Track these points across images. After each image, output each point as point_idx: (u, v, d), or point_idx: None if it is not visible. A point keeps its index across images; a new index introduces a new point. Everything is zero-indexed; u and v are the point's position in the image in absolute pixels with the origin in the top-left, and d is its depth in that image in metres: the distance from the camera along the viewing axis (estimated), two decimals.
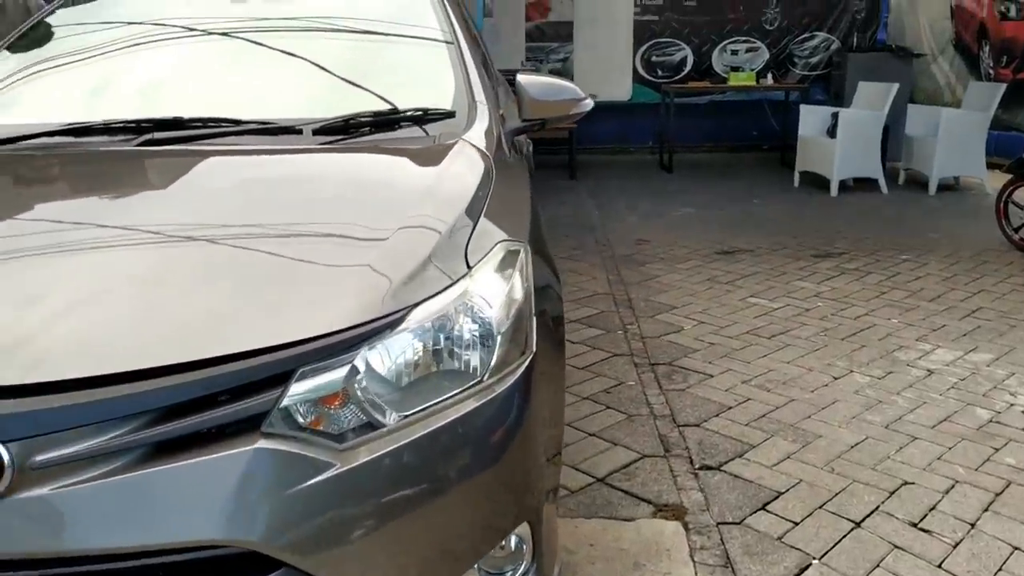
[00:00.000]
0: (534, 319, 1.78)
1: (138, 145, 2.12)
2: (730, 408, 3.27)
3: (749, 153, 9.87)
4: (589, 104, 2.68)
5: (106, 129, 2.20)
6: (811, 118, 7.98)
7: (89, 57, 2.60)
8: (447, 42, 2.68)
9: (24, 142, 2.17)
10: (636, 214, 6.86)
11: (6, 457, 1.31)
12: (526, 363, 1.70)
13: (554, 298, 2.07)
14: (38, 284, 1.59)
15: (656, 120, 9.64)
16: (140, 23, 2.72)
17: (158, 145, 2.14)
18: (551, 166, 8.77)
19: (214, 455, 1.38)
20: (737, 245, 5.82)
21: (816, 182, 7.85)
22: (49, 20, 2.76)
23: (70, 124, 2.20)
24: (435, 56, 2.63)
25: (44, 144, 2.16)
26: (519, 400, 1.68)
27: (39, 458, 1.33)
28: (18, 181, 2.11)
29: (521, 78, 2.61)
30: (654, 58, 9.90)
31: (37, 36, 2.69)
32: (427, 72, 2.61)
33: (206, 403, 1.40)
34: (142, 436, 1.37)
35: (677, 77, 9.87)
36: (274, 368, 1.43)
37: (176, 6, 2.85)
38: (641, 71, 9.92)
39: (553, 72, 9.70)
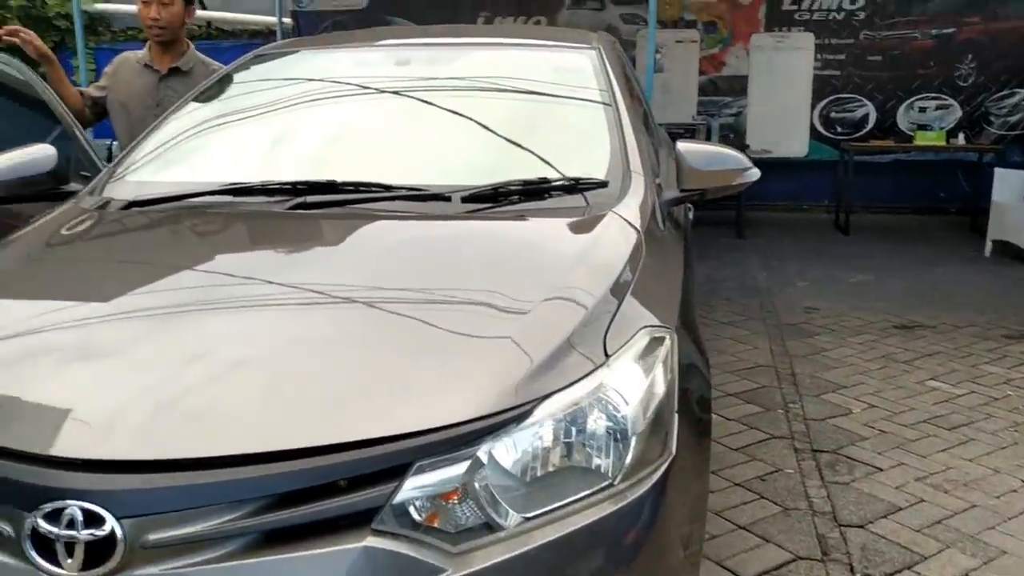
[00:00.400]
0: (676, 416, 1.64)
1: (291, 208, 2.14)
2: (900, 509, 2.95)
3: (935, 217, 9.20)
4: (755, 174, 2.51)
5: (263, 190, 2.24)
6: (1008, 182, 7.34)
7: (252, 118, 2.69)
8: (605, 104, 2.59)
9: (188, 200, 2.25)
10: (807, 279, 6.49)
11: (119, 533, 1.30)
12: (664, 467, 1.56)
13: (701, 387, 1.91)
14: (169, 351, 1.60)
15: (833, 178, 9.18)
16: (299, 85, 2.80)
17: (310, 208, 2.16)
18: (717, 223, 8.49)
19: (321, 550, 1.32)
20: (917, 319, 5.37)
21: (1011, 253, 7.19)
22: (218, 84, 2.88)
23: (230, 184, 2.26)
24: (592, 120, 2.55)
25: (203, 203, 2.23)
26: (654, 507, 1.53)
27: (151, 537, 1.31)
28: (170, 240, 2.17)
29: (681, 146, 2.48)
30: (833, 114, 9.45)
31: (207, 97, 2.81)
32: (582, 137, 2.53)
33: (319, 492, 1.34)
34: (253, 523, 1.33)
35: (858, 134, 9.36)
36: (389, 460, 1.36)
37: (335, 69, 2.92)
38: (819, 127, 9.49)
39: (725, 126, 9.47)
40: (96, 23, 10.76)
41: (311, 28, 10.04)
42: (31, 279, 2.00)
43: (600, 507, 1.46)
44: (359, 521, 1.35)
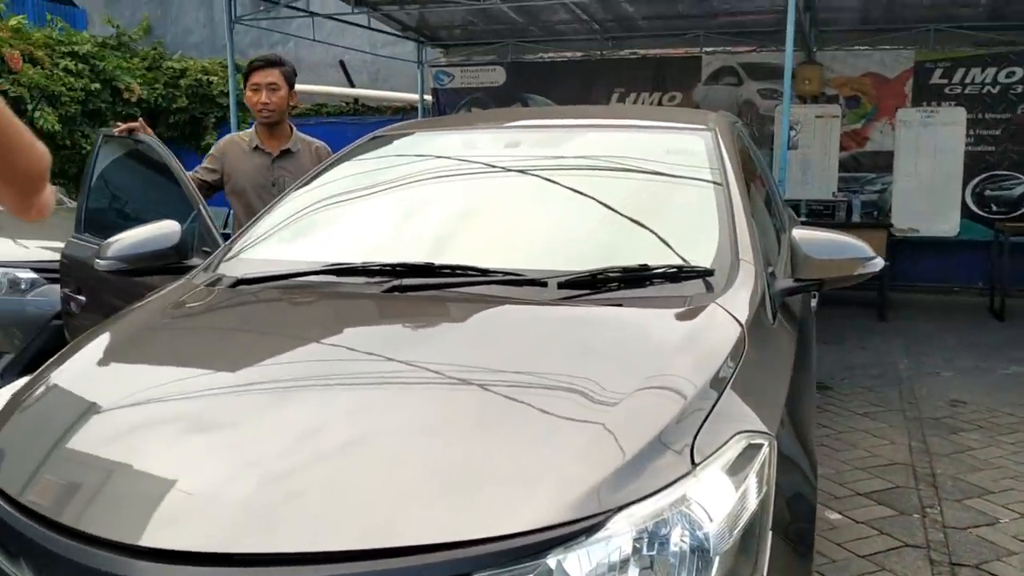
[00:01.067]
0: (769, 535, 1.49)
1: (387, 290, 2.15)
2: None
3: None
4: (877, 265, 2.34)
5: (364, 270, 2.26)
6: None
7: (362, 199, 2.75)
8: (716, 187, 2.49)
9: (292, 279, 2.29)
10: (953, 368, 6.04)
11: None
12: None
13: (804, 500, 1.75)
14: (235, 433, 1.61)
15: (987, 259, 8.59)
16: (409, 166, 2.85)
17: (407, 290, 2.15)
18: (856, 303, 8.07)
19: None
20: None
21: None
22: (333, 165, 2.97)
23: (333, 264, 2.29)
24: (700, 205, 2.45)
25: (305, 283, 2.27)
26: None
27: None
28: (269, 319, 2.22)
29: (796, 233, 2.35)
30: (988, 192, 8.90)
31: (321, 178, 2.89)
32: (689, 223, 2.44)
33: None
34: None
35: (1015, 214, 8.77)
36: (446, 570, 1.29)
37: (446, 151, 2.95)
38: (972, 205, 8.95)
39: (867, 203, 9.07)
40: None
41: (450, 105, 10.39)
42: (138, 353, 2.07)
43: None
44: None
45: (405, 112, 11.11)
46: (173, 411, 1.75)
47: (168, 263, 2.58)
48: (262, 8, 8.80)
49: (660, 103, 9.66)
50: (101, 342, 2.08)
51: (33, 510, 1.46)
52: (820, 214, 8.57)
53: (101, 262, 2.53)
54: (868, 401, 5.21)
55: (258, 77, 3.70)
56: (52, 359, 2.09)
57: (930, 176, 8.91)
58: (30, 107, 9.07)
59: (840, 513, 3.54)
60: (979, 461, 4.19)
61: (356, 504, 1.39)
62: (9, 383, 4.34)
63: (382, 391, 1.77)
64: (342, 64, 11.73)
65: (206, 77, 11.53)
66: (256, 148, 3.71)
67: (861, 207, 8.95)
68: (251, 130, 3.80)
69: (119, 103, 10.84)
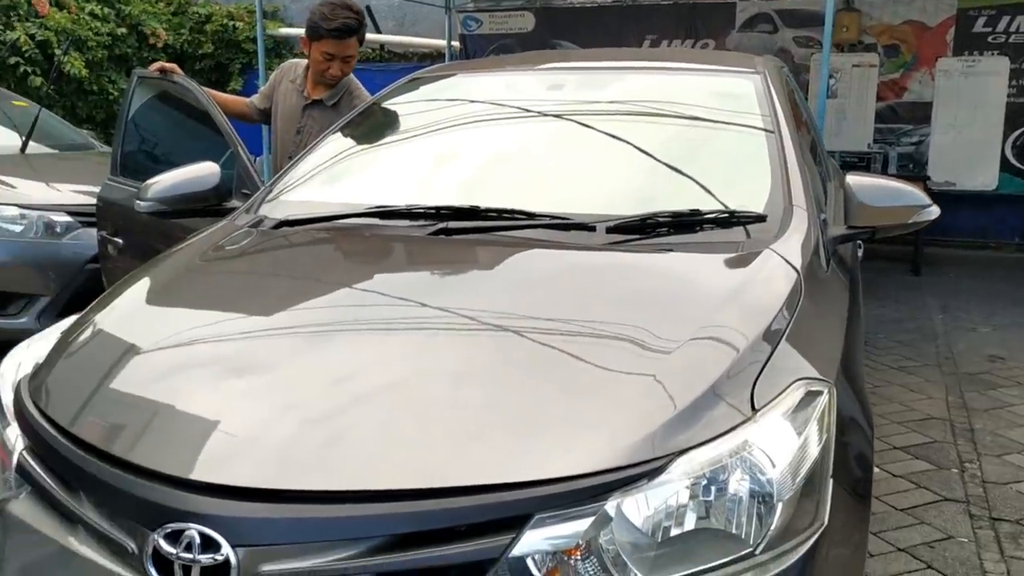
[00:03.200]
0: (830, 482, 1.47)
1: (432, 233, 2.11)
2: None
3: None
4: (933, 213, 2.28)
5: (408, 213, 2.22)
6: None
7: (403, 141, 2.71)
8: (767, 132, 2.42)
9: (335, 221, 2.26)
10: (991, 323, 5.95)
11: (233, 560, 1.28)
12: (814, 538, 1.40)
13: (862, 449, 1.72)
14: (294, 372, 1.59)
15: None
16: (450, 109, 2.80)
17: (452, 233, 2.12)
18: (890, 258, 7.95)
19: None
20: None
21: None
22: (373, 107, 2.91)
23: (376, 207, 2.26)
24: (752, 149, 2.38)
25: (349, 225, 2.24)
26: None
27: (266, 568, 1.28)
28: (313, 260, 2.20)
29: (851, 179, 2.28)
30: None
31: (361, 120, 2.84)
32: (740, 167, 2.37)
33: (435, 537, 1.28)
34: (366, 563, 1.28)
35: None
36: (507, 510, 1.28)
37: (487, 93, 2.88)
38: (1011, 158, 8.74)
39: (904, 156, 8.89)
40: (280, 46, 11.39)
41: (478, 51, 10.24)
42: (182, 293, 2.06)
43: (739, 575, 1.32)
44: (474, 572, 1.27)
45: (432, 58, 10.97)
46: (218, 351, 1.74)
47: (207, 205, 2.55)
48: None
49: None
50: (146, 283, 2.07)
51: (89, 443, 1.46)
52: (854, 166, 8.40)
53: (141, 204, 2.51)
54: (904, 356, 5.15)
55: (333, 47, 3.34)
56: (98, 299, 2.09)
57: (969, 128, 8.70)
58: (58, 52, 9.02)
59: (878, 467, 3.50)
60: (1018, 417, 4.13)
61: (412, 444, 1.38)
62: (46, 325, 4.38)
63: (430, 335, 1.74)
64: (368, 10, 11.55)
65: (231, 23, 11.42)
66: (299, 89, 3.53)
67: (897, 159, 8.78)
68: (304, 65, 3.54)
69: (145, 48, 10.76)
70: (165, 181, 2.51)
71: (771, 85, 2.64)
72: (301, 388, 1.54)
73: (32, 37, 8.94)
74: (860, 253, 3.20)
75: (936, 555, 2.81)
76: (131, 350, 1.75)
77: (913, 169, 8.76)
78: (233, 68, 11.58)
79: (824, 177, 3.11)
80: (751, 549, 1.35)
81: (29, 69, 8.99)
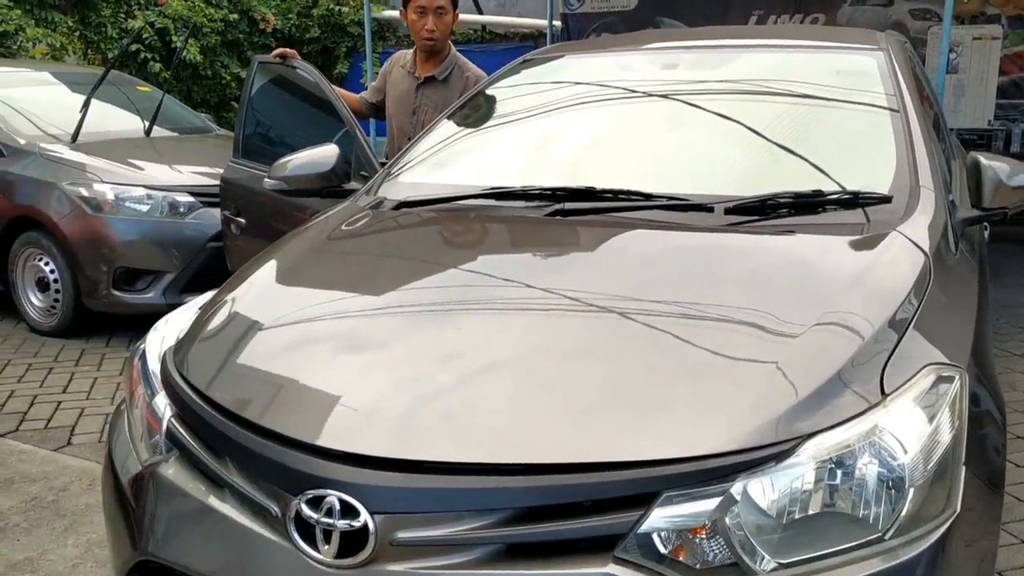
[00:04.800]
0: (962, 469, 1.44)
1: (549, 214, 2.14)
2: None
3: None
4: None
5: (524, 194, 2.26)
6: None
7: (518, 122, 2.74)
8: (892, 111, 2.35)
9: (454, 203, 2.31)
10: None
11: (371, 526, 1.34)
12: (945, 525, 1.38)
13: (995, 435, 1.67)
14: (430, 349, 1.64)
15: None
16: (563, 90, 2.81)
17: (569, 214, 2.14)
18: (1014, 239, 7.60)
19: (562, 570, 1.29)
20: None
21: None
22: (487, 89, 2.95)
23: (493, 188, 2.30)
24: (876, 129, 2.32)
25: (467, 206, 2.28)
26: (930, 569, 1.35)
27: (400, 535, 1.34)
28: (434, 240, 2.26)
29: (984, 160, 2.19)
30: None
31: (477, 102, 2.89)
32: (865, 147, 2.31)
33: (564, 511, 1.31)
34: (498, 533, 1.32)
35: None
36: (637, 487, 1.31)
37: (600, 74, 2.88)
38: None
39: None
40: (384, 29, 11.59)
41: (580, 30, 10.17)
42: (311, 272, 2.15)
43: (866, 563, 1.32)
44: (602, 546, 1.30)
45: (533, 38, 10.96)
46: (347, 327, 1.82)
47: (328, 185, 2.65)
48: None
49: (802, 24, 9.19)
50: (277, 262, 2.16)
51: (234, 412, 1.55)
52: (974, 144, 8.03)
53: (269, 182, 2.62)
54: None
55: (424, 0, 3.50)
56: (232, 276, 2.19)
57: None
58: (178, 40, 9.39)
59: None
60: None
61: (539, 420, 1.42)
62: (171, 300, 4.63)
63: (550, 314, 1.77)
64: None
65: (337, 7, 11.67)
66: (409, 72, 3.62)
67: (1021, 136, 8.34)
68: (412, 50, 3.67)
69: (255, 33, 11.13)
70: (291, 162, 2.62)
71: (895, 62, 2.56)
72: (427, 363, 1.59)
73: (152, 25, 9.34)
74: (986, 235, 3.07)
75: None
76: (266, 325, 1.84)
77: None
78: (339, 51, 11.85)
79: (948, 156, 3.00)
80: (880, 534, 1.34)
81: (149, 55, 9.40)
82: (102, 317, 4.98)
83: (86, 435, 3.63)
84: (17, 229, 5.01)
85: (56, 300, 4.92)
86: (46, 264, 4.92)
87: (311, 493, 1.38)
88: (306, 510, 1.38)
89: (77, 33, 8.97)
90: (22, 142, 5.13)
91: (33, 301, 5.04)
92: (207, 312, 1.99)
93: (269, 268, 2.12)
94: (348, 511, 1.36)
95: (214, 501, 1.53)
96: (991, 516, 1.59)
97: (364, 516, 1.34)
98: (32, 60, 8.43)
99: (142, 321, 5.01)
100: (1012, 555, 2.68)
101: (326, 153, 2.65)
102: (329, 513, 1.36)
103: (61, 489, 3.11)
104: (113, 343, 4.88)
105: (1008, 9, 8.48)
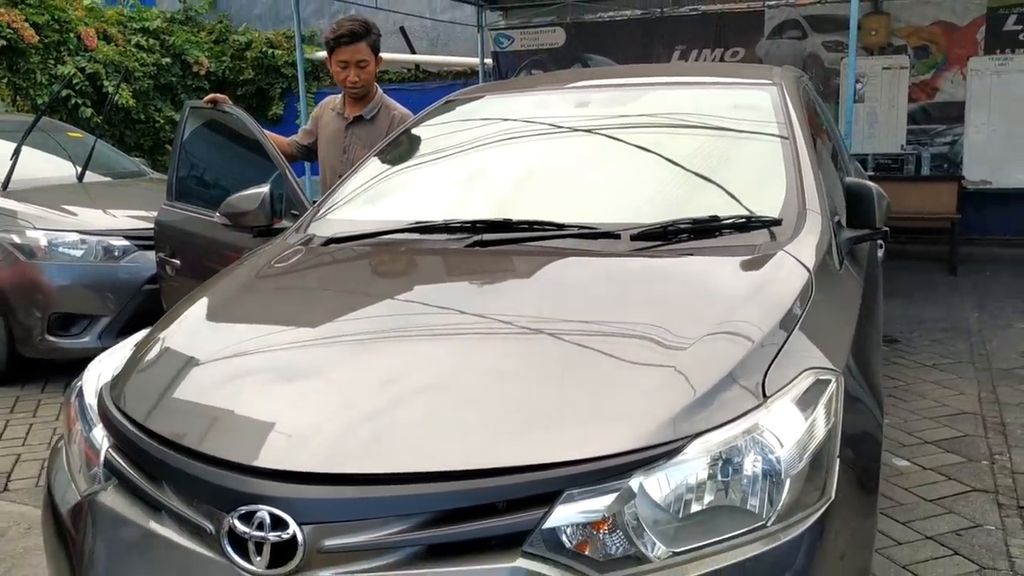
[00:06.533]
0: (836, 461, 1.60)
1: (468, 245, 2.28)
2: None
3: None
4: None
5: (446, 228, 2.39)
6: None
7: (440, 160, 2.89)
8: (782, 140, 2.56)
9: (379, 237, 2.44)
10: None
11: (300, 537, 1.45)
12: (821, 511, 1.53)
13: (870, 433, 1.85)
14: (347, 371, 1.76)
15: None
16: (483, 128, 2.98)
17: (487, 245, 2.29)
18: (926, 258, 7.98)
19: (476, 567, 1.41)
20: None
21: None
22: (411, 129, 3.11)
23: (416, 223, 2.44)
24: (767, 158, 2.52)
25: (392, 240, 2.42)
26: (808, 552, 1.51)
27: (327, 543, 1.45)
28: (361, 273, 2.38)
29: (875, 186, 2.42)
30: None
31: (400, 141, 3.04)
32: (756, 175, 2.51)
33: (476, 512, 1.44)
34: (416, 536, 1.44)
35: None
36: (540, 487, 1.44)
37: (517, 112, 3.05)
38: None
39: (937, 156, 8.90)
40: (318, 70, 11.71)
41: (510, 68, 10.43)
42: (243, 306, 2.25)
43: (751, 547, 1.46)
44: (512, 543, 1.43)
45: (466, 76, 11.20)
46: (277, 357, 1.92)
47: (259, 224, 2.77)
48: None
49: (722, 59, 9.57)
50: (209, 298, 2.26)
51: (167, 438, 1.64)
52: (888, 168, 8.45)
53: (216, 217, 2.78)
54: (937, 353, 5.21)
55: (345, 54, 3.59)
56: (166, 314, 2.28)
57: (1004, 126, 8.69)
58: (111, 85, 9.38)
59: (908, 460, 3.60)
60: None
61: (453, 432, 1.54)
62: (107, 344, 4.64)
63: (468, 338, 1.91)
64: (403, 31, 11.85)
65: (271, 49, 11.78)
66: (339, 114, 3.76)
67: (931, 160, 8.79)
68: (341, 94, 3.79)
69: (189, 76, 11.17)
70: (230, 202, 2.76)
71: (787, 95, 2.77)
72: (353, 387, 1.71)
73: (82, 70, 9.32)
74: (881, 253, 3.30)
75: (963, 543, 2.91)
76: (200, 358, 1.94)
77: (948, 169, 8.76)
78: (273, 92, 11.95)
79: (843, 179, 3.22)
80: (763, 522, 1.49)
81: (79, 101, 9.37)
82: (36, 364, 4.96)
83: (23, 480, 3.64)
84: None
85: None
86: None
87: (243, 509, 1.48)
88: (239, 525, 1.48)
89: (5, 80, 8.90)
90: None
91: None
92: (142, 348, 2.08)
93: (202, 304, 2.22)
94: (278, 524, 1.46)
95: (152, 524, 1.61)
96: (867, 505, 1.75)
97: (293, 527, 1.45)
98: None
99: (77, 366, 5.04)
100: (916, 550, 2.86)
101: (256, 193, 2.78)
102: (260, 527, 1.46)
103: None
104: (48, 389, 4.87)
105: (913, 40, 8.97)
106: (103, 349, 4.67)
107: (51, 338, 4.74)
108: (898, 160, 8.73)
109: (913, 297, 6.64)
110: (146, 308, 4.73)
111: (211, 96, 3.81)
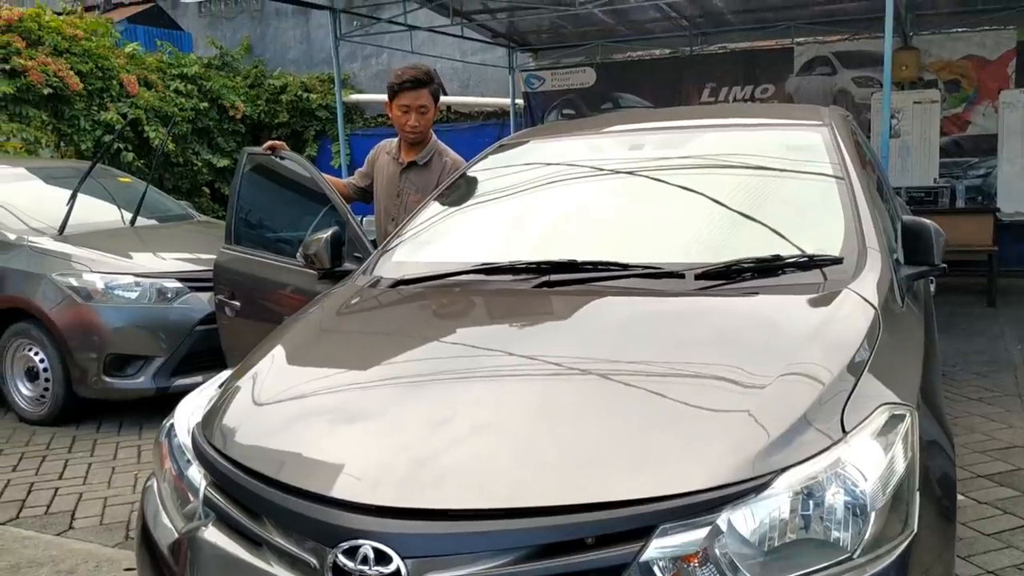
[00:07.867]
0: (917, 494, 1.64)
1: (536, 286, 2.35)
2: None
3: None
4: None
5: (512, 269, 2.47)
6: None
7: (499, 202, 2.98)
8: (838, 180, 2.62)
9: (446, 279, 2.52)
10: None
11: (403, 571, 1.51)
12: (905, 543, 1.57)
13: (944, 466, 1.89)
14: (441, 410, 1.83)
15: None
16: (538, 170, 3.07)
17: (554, 285, 2.36)
18: (964, 290, 7.96)
19: None
20: None
21: None
22: (468, 173, 3.20)
23: (482, 264, 2.51)
24: (825, 197, 2.58)
25: (459, 281, 2.49)
26: None
27: None
28: (431, 314, 2.45)
29: (931, 223, 2.47)
30: None
31: (459, 185, 3.14)
32: (816, 214, 2.57)
33: (572, 547, 1.49)
34: (516, 570, 1.49)
35: None
36: (637, 522, 1.49)
37: (570, 156, 3.15)
38: None
39: (971, 188, 8.92)
40: (351, 112, 11.94)
41: (542, 108, 10.60)
42: (324, 346, 2.34)
43: None
44: (608, 575, 1.48)
45: (497, 116, 11.37)
46: (364, 394, 1.99)
47: (323, 267, 2.88)
48: (356, 24, 9.16)
49: (752, 96, 9.68)
50: (290, 339, 2.34)
51: (267, 476, 1.71)
52: (922, 201, 8.47)
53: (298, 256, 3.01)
54: (982, 387, 5.20)
55: (408, 99, 3.67)
56: (250, 354, 2.35)
57: None
58: (149, 129, 9.62)
59: (963, 494, 3.60)
60: None
61: (549, 467, 1.60)
62: (161, 384, 4.76)
63: (554, 379, 1.96)
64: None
65: (305, 93, 12.03)
66: (394, 158, 3.85)
67: (965, 192, 8.81)
68: (397, 139, 3.88)
69: (225, 120, 11.42)
70: (305, 244, 2.95)
71: (838, 135, 2.84)
72: (446, 424, 1.77)
73: (124, 116, 9.56)
74: (932, 289, 3.34)
75: None
76: (290, 397, 2.02)
77: (981, 201, 8.78)
78: (308, 135, 12.17)
79: (893, 216, 3.28)
80: (849, 554, 1.53)
81: (122, 146, 9.60)
82: (90, 404, 5.08)
83: (87, 519, 3.72)
84: (6, 321, 5.13)
85: (46, 389, 5.01)
86: (35, 354, 5.02)
87: (346, 544, 1.55)
88: (343, 560, 1.54)
89: (50, 126, 9.15)
90: (12, 237, 5.26)
91: (22, 390, 5.13)
92: (230, 388, 2.15)
93: (284, 345, 2.30)
94: (381, 558, 1.52)
95: (254, 560, 1.68)
96: (946, 537, 1.79)
97: (396, 562, 1.51)
98: (5, 154, 8.59)
99: (130, 407, 5.16)
100: None
101: (320, 236, 2.90)
102: (364, 561, 1.52)
103: (68, 572, 3.19)
104: (104, 429, 4.97)
105: (944, 75, 9.04)
106: (157, 389, 4.83)
107: (107, 379, 4.85)
108: (931, 193, 8.75)
109: (953, 330, 6.62)
110: (199, 349, 4.86)
111: (269, 143, 3.93)
